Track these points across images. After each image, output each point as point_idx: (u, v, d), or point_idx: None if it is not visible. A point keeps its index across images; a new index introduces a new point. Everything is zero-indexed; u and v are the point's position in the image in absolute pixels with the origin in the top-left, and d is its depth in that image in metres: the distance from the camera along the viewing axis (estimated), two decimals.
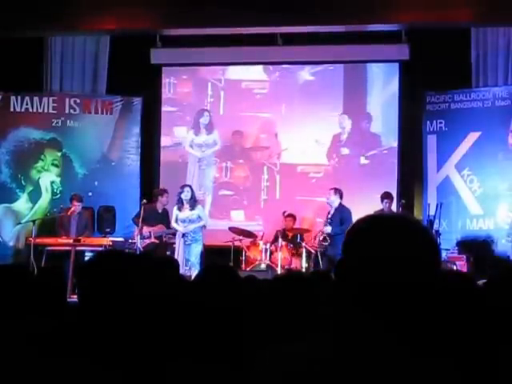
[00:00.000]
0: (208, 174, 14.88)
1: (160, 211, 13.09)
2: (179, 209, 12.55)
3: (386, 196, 12.84)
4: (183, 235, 12.46)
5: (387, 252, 1.76)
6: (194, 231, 12.49)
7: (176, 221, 12.58)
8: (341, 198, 12.55)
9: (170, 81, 15.04)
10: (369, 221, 1.86)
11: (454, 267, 11.69)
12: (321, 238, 12.53)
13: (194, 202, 12.59)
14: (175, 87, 15.06)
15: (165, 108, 15.04)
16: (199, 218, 12.60)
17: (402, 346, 1.73)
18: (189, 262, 12.27)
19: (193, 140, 14.89)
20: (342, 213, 12.44)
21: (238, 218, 14.71)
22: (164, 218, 12.99)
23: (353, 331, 1.75)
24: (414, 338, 1.74)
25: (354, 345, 1.73)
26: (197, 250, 12.50)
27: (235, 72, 14.98)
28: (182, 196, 12.50)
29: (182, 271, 11.57)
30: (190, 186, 12.75)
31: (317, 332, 1.84)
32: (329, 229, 12.39)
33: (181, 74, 15.11)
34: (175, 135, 15.05)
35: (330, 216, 12.52)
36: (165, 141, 15.00)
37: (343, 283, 1.81)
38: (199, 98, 14.99)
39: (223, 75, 14.96)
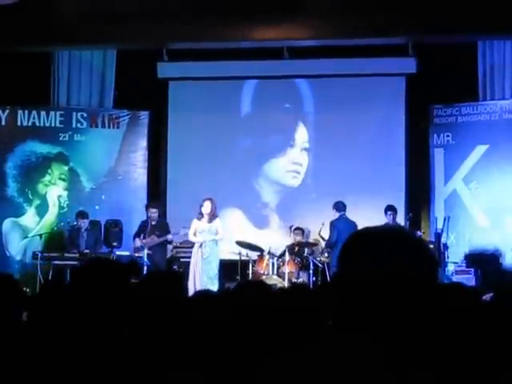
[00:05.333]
0: None
1: (153, 223, 13.17)
2: (198, 219, 12.64)
3: (390, 208, 12.82)
4: (200, 247, 12.47)
5: (378, 264, 1.75)
6: (211, 245, 12.49)
7: (194, 233, 12.63)
8: (339, 210, 12.64)
9: None
10: (361, 234, 1.86)
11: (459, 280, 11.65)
12: (323, 252, 13.10)
13: (213, 216, 12.62)
14: None
15: None
16: (217, 231, 12.62)
17: (391, 360, 1.71)
18: (205, 275, 12.24)
19: None
20: (329, 227, 12.67)
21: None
22: (155, 229, 13.11)
23: (343, 345, 1.74)
24: (406, 352, 1.72)
25: (343, 358, 1.72)
26: (214, 263, 12.50)
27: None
28: (202, 209, 12.59)
29: (200, 286, 11.64)
30: (211, 200, 12.76)
31: (314, 344, 1.83)
32: (322, 243, 13.02)
33: None
34: None
35: (319, 232, 13.22)
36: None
37: (338, 295, 1.80)
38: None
39: None
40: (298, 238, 13.41)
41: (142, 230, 13.13)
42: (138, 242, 12.99)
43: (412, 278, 1.74)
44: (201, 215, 12.63)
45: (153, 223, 13.18)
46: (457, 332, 2.58)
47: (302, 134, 14.86)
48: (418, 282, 1.74)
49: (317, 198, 14.39)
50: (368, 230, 1.86)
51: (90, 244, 13.11)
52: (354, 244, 1.84)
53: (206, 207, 12.58)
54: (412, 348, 1.73)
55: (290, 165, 14.86)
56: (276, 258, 12.83)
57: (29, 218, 14.33)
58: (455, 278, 12.00)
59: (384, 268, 1.74)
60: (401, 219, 13.16)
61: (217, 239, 12.62)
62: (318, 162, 14.65)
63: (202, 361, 3.09)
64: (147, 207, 13.43)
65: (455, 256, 12.97)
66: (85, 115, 14.60)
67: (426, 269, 1.78)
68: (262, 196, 14.90)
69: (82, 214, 13.34)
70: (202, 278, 12.18)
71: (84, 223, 13.25)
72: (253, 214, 14.82)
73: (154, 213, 13.22)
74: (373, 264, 1.75)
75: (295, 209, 14.51)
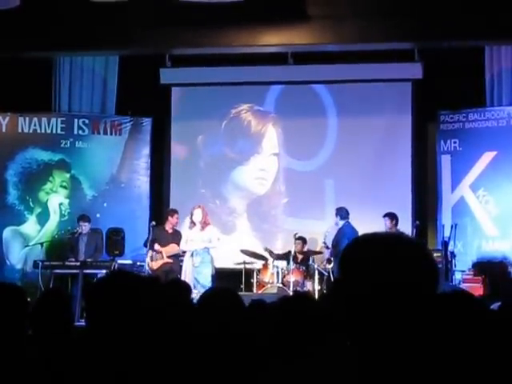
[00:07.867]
0: None
1: (170, 231, 12.95)
2: (190, 228, 12.47)
3: (385, 215, 12.67)
4: (191, 256, 12.32)
5: (378, 272, 1.71)
6: (202, 253, 12.31)
7: (186, 241, 12.45)
8: (342, 217, 12.53)
9: None
10: (360, 241, 1.83)
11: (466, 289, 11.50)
12: (326, 261, 12.86)
13: (205, 224, 12.44)
14: None
15: None
16: (210, 239, 12.44)
17: (391, 367, 1.66)
18: (199, 284, 12.08)
19: None
20: (336, 235, 12.52)
21: None
22: (175, 238, 12.84)
23: (340, 353, 1.69)
24: (407, 358, 1.68)
25: (340, 367, 1.75)
26: (206, 271, 12.30)
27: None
28: (193, 218, 12.41)
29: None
30: (201, 207, 12.60)
31: (316, 352, 1.76)
32: (327, 252, 12.79)
33: None
34: None
35: (324, 239, 12.95)
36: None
37: (336, 303, 1.76)
38: None
39: None
40: (300, 248, 13.28)
41: (159, 237, 12.86)
42: (158, 249, 12.73)
43: (411, 285, 1.70)
44: (192, 224, 12.46)
45: (170, 231, 12.99)
46: (459, 341, 2.43)
47: (270, 139, 14.73)
48: (418, 289, 1.70)
49: (314, 204, 14.34)
50: (367, 237, 1.83)
51: (89, 251, 12.94)
52: (354, 251, 1.80)
53: (197, 215, 12.41)
54: (413, 355, 1.68)
55: (257, 171, 14.75)
56: (280, 267, 12.72)
57: (30, 227, 14.22)
58: (463, 287, 11.85)
59: (384, 275, 1.70)
60: (408, 227, 13.00)
61: (209, 247, 12.44)
62: (321, 166, 14.52)
63: (206, 368, 3.04)
64: (173, 213, 13.16)
65: (463, 264, 12.84)
66: (86, 122, 14.50)
67: (427, 275, 1.73)
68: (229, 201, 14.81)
69: (83, 218, 13.16)
70: (195, 286, 11.97)
71: (85, 226, 13.07)
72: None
73: (177, 218, 13.05)
74: (372, 271, 1.71)
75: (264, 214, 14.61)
